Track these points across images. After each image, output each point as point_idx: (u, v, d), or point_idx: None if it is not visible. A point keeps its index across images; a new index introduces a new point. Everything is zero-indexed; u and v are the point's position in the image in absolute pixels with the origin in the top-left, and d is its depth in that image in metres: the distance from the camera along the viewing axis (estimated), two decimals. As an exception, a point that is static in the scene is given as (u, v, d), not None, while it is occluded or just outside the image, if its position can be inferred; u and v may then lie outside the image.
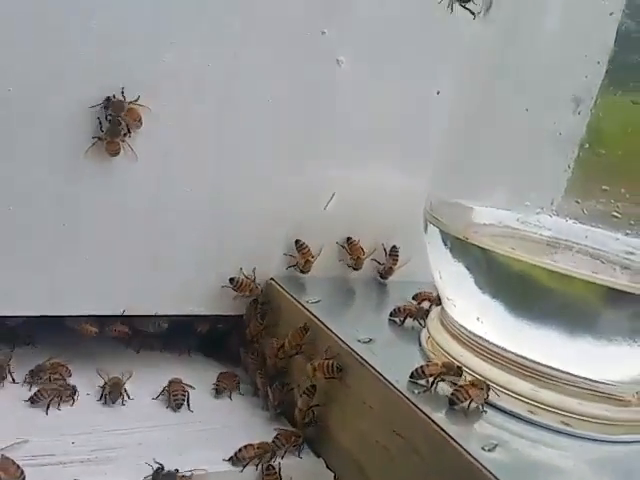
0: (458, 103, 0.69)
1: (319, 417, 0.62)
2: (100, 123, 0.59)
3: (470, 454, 0.48)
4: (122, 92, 0.59)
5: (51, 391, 0.61)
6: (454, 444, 0.49)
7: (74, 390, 0.63)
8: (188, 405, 0.65)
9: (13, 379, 0.63)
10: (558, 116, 0.64)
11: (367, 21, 0.69)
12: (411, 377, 0.56)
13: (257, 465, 0.58)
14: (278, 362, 0.67)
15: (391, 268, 0.79)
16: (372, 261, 0.79)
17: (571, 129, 0.63)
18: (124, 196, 0.63)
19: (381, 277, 0.79)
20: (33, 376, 0.63)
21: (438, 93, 0.75)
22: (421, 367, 0.57)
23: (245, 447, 0.58)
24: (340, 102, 0.71)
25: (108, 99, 0.59)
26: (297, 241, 0.73)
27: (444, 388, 0.56)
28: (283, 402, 0.66)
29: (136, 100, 0.60)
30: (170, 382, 0.66)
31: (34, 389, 0.62)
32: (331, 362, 0.60)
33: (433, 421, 0.52)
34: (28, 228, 0.60)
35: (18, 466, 0.50)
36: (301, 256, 0.73)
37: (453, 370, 0.58)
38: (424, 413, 0.52)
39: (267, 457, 0.58)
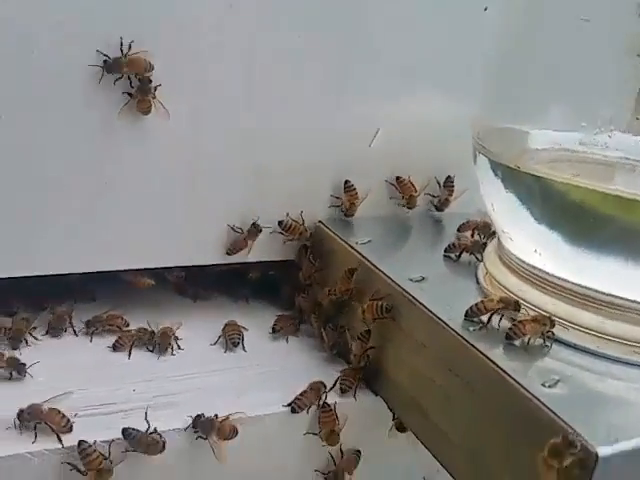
0: (508, 17, 0.64)
1: (375, 358, 0.61)
2: (129, 80, 0.58)
3: (527, 390, 0.46)
4: (121, 44, 0.56)
5: (131, 337, 0.63)
6: (510, 381, 0.47)
7: (152, 333, 0.64)
8: (243, 346, 0.66)
9: (74, 331, 0.65)
10: (623, 27, 0.58)
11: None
12: (466, 315, 0.54)
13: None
14: (333, 300, 0.65)
15: (447, 199, 0.76)
16: (426, 195, 0.76)
17: (638, 41, 0.57)
18: (160, 149, 0.62)
19: (437, 209, 0.76)
20: (89, 327, 0.65)
21: (486, 9, 0.70)
22: (476, 304, 0.54)
23: (302, 394, 0.58)
24: (380, 28, 0.67)
25: (105, 62, 0.57)
26: (346, 182, 0.71)
27: (504, 324, 0.54)
28: (338, 343, 0.65)
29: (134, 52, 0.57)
30: (226, 324, 0.67)
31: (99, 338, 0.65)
32: (380, 303, 0.59)
33: (488, 358, 0.49)
34: (73, 187, 0.60)
35: (63, 415, 0.52)
36: (347, 198, 0.70)
37: (511, 305, 0.55)
38: (479, 350, 0.50)
39: (323, 397, 0.58)
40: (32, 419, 0.51)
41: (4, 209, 0.58)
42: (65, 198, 0.60)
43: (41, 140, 0.58)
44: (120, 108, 0.59)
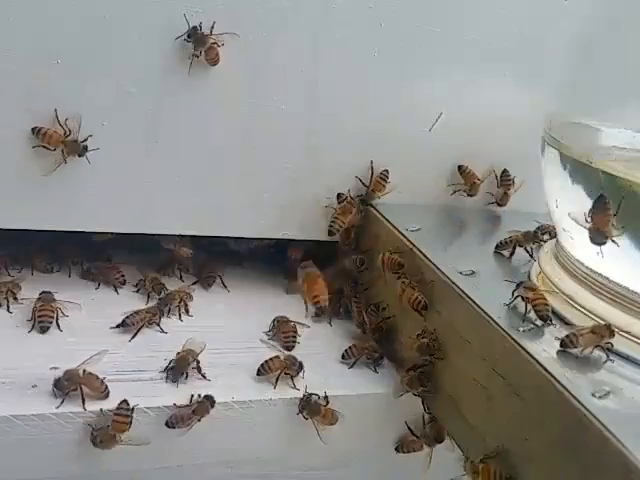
0: (592, 10, 0.61)
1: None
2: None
3: (578, 400, 0.43)
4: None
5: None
6: (560, 388, 0.44)
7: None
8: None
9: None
10: None
11: None
12: (562, 346, 0.49)
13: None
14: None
15: (506, 194, 0.72)
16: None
17: None
18: (217, 114, 0.61)
19: (498, 205, 0.73)
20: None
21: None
22: (573, 334, 0.49)
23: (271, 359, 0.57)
24: (458, 11, 0.64)
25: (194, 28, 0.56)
26: (385, 170, 0.67)
27: (552, 330, 0.51)
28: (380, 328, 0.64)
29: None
30: None
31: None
32: (419, 297, 0.57)
33: (538, 362, 0.47)
34: (122, 144, 0.59)
35: (102, 381, 0.51)
36: (376, 179, 0.67)
37: (606, 335, 0.49)
38: (528, 353, 0.47)
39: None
40: (71, 385, 0.49)
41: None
42: (116, 154, 0.59)
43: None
44: (188, 68, 0.58)
